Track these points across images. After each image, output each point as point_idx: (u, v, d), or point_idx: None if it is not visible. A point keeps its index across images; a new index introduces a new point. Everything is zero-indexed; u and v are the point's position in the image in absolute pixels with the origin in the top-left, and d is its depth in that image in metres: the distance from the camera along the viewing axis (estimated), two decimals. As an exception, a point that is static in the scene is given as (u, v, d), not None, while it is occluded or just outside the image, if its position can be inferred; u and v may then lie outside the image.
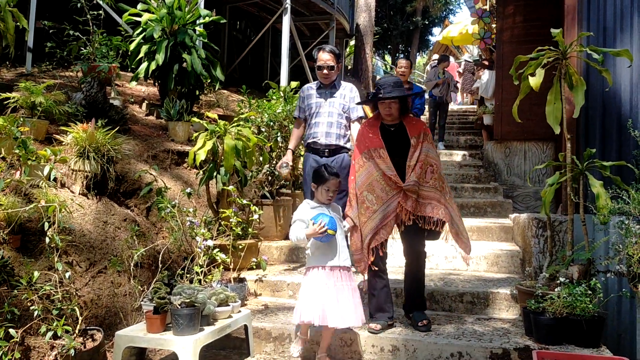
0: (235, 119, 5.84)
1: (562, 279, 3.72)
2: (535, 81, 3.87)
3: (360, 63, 17.35)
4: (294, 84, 7.74)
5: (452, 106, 16.11)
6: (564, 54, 4.00)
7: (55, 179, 4.51)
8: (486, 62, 10.36)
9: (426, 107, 10.78)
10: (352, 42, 17.94)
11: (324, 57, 4.59)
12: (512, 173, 8.05)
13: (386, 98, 3.71)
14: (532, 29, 7.86)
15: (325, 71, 4.63)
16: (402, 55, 6.56)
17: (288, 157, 4.83)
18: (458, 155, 9.55)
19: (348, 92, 4.77)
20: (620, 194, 3.91)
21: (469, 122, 12.80)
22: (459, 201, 7.19)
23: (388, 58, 30.49)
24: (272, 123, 6.46)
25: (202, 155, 5.40)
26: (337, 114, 4.68)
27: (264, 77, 13.49)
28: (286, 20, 10.91)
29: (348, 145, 4.79)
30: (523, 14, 8.08)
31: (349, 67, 18.88)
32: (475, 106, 14.11)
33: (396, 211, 3.70)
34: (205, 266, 4.35)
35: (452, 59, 15.36)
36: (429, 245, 5.67)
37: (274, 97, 6.95)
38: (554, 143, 7.59)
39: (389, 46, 29.69)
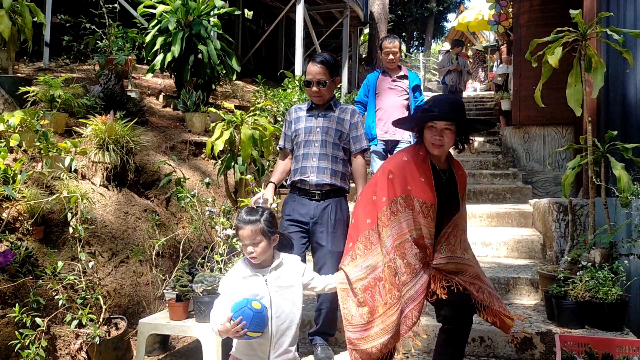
0: (252, 108, 5.85)
1: (584, 263, 3.69)
2: (554, 59, 3.81)
3: (374, 51, 17.25)
4: (309, 72, 7.75)
5: (469, 92, 16.01)
6: (583, 35, 3.94)
7: (75, 171, 4.58)
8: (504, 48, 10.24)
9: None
10: (367, 31, 17.83)
11: (313, 70, 3.35)
12: (531, 158, 7.96)
13: (443, 118, 2.66)
14: (550, 11, 7.74)
15: (314, 88, 3.36)
16: (392, 37, 5.64)
17: (267, 192, 3.35)
18: (475, 142, 9.46)
19: (349, 116, 3.48)
20: (642, 177, 3.86)
21: (486, 108, 12.67)
22: (478, 187, 7.14)
23: (403, 45, 30.26)
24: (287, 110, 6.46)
25: (219, 146, 5.42)
26: (332, 144, 3.40)
27: (279, 67, 13.48)
28: (300, 10, 10.87)
29: (347, 187, 3.57)
30: (540, -4, 7.95)
31: (364, 55, 18.78)
32: (492, 92, 13.98)
33: (427, 288, 2.64)
34: (225, 255, 4.38)
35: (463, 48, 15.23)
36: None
37: (290, 87, 6.95)
38: (573, 127, 7.49)
39: (404, 34, 29.45)
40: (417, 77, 5.41)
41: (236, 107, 7.05)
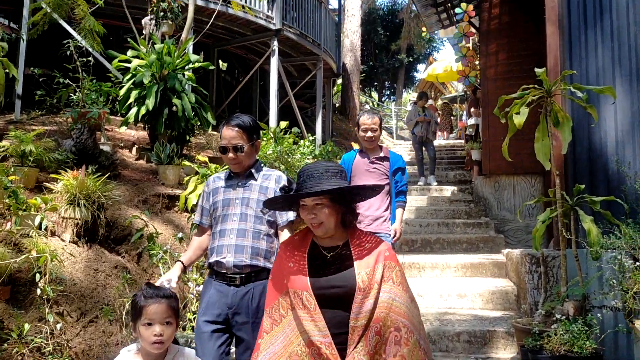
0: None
1: (558, 316, 3.71)
2: (519, 120, 3.95)
3: (348, 101, 17.60)
4: (283, 124, 7.83)
5: (440, 141, 16.34)
6: (548, 92, 4.09)
7: (45, 228, 4.48)
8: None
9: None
10: (340, 81, 18.21)
11: (228, 134, 2.89)
12: (503, 207, 8.10)
13: (305, 195, 2.22)
14: (516, 65, 8.04)
15: (230, 154, 2.87)
16: (371, 112, 4.41)
17: (173, 272, 2.85)
18: (448, 191, 9.60)
19: (273, 183, 2.97)
20: (611, 229, 3.95)
21: (458, 156, 12.92)
22: (451, 237, 7.20)
23: (375, 95, 30.91)
24: (262, 164, 6.49)
25: (193, 199, 5.42)
26: (253, 217, 2.90)
27: (253, 117, 13.57)
28: (274, 62, 11.08)
29: None
30: (506, 51, 8.26)
31: (337, 104, 19.11)
32: (462, 141, 14.28)
33: None
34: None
35: (430, 101, 15.68)
36: (423, 283, 5.67)
37: (264, 139, 6.99)
38: (542, 177, 7.67)
39: (375, 83, 30.13)
40: (401, 159, 4.58)
41: (210, 158, 7.08)
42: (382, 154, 4.50)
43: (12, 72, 6.18)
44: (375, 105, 27.19)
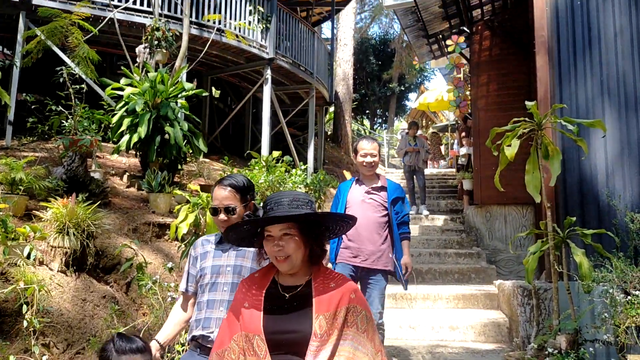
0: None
1: (550, 350, 3.68)
2: (510, 152, 3.97)
3: (340, 129, 17.71)
4: (275, 153, 7.84)
5: (431, 170, 16.42)
6: (539, 125, 4.13)
7: (34, 257, 4.42)
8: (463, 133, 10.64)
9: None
10: (332, 109, 18.35)
11: (220, 195, 2.65)
12: (494, 237, 8.10)
13: (274, 219, 1.98)
14: (507, 96, 8.14)
15: (222, 216, 2.64)
16: (370, 138, 4.09)
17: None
18: (440, 220, 9.61)
19: None
20: (602, 262, 3.95)
21: (449, 185, 12.97)
22: (443, 267, 7.18)
23: (367, 122, 31.12)
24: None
25: (184, 229, 5.36)
26: None
27: (246, 145, 13.63)
28: (267, 90, 11.15)
29: None
30: (497, 83, 8.38)
31: (329, 132, 19.21)
32: (453, 170, 14.35)
33: None
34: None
35: (420, 131, 15.84)
36: (415, 314, 5.62)
37: (256, 167, 6.99)
38: (533, 206, 7.70)
39: (367, 111, 30.35)
40: (399, 189, 4.27)
41: (202, 186, 7.05)
42: (379, 184, 4.20)
43: (4, 99, 6.19)
44: (367, 133, 27.35)
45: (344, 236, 4.06)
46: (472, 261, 7.58)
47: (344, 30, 18.43)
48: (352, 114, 19.97)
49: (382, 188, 4.19)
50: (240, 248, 2.60)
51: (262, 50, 11.15)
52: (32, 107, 7.12)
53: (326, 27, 23.34)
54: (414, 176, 10.56)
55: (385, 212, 4.12)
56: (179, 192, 5.86)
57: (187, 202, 6.09)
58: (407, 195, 10.74)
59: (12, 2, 8.46)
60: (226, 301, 2.54)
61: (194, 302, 2.69)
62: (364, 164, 4.14)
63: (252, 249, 2.45)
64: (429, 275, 7.09)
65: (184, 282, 2.75)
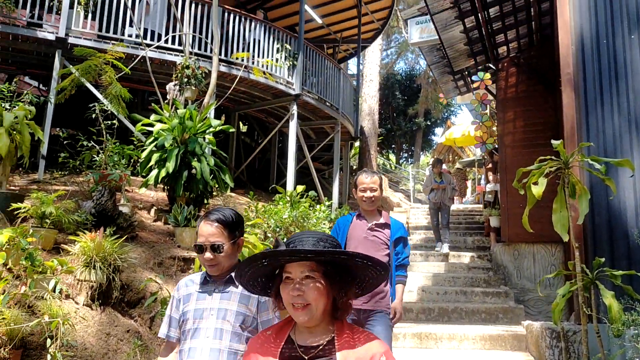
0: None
1: (581, 396, 3.56)
2: (537, 191, 3.92)
3: (365, 163, 17.74)
4: (299, 188, 7.88)
5: (458, 205, 16.26)
6: (565, 164, 4.08)
7: (60, 291, 4.49)
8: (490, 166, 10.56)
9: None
10: (357, 144, 18.43)
11: (205, 231, 2.38)
12: (522, 276, 7.93)
13: (292, 253, 1.69)
14: (533, 133, 8.08)
15: (207, 254, 2.36)
16: (369, 171, 4.06)
17: None
18: (466, 257, 9.46)
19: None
20: (633, 305, 3.83)
21: (476, 222, 12.80)
22: (470, 307, 7.03)
23: (392, 157, 31.15)
24: (278, 229, 6.49)
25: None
26: (230, 334, 2.32)
27: (271, 179, 13.75)
28: (293, 125, 11.29)
29: None
30: (523, 119, 8.33)
31: (355, 167, 19.25)
32: (480, 205, 14.19)
33: None
34: None
35: (445, 166, 15.78)
36: (440, 355, 5.50)
37: (281, 202, 7.03)
38: (562, 245, 7.54)
39: (393, 146, 30.43)
40: (402, 228, 3.97)
41: (227, 221, 7.11)
42: (382, 220, 3.90)
43: (37, 135, 6.40)
44: (393, 168, 27.34)
45: None
46: (499, 300, 7.41)
47: (370, 67, 18.66)
48: (378, 149, 20.03)
49: (386, 225, 3.90)
50: (227, 289, 2.38)
51: (288, 87, 11.33)
52: (65, 142, 7.33)
53: (352, 63, 23.65)
54: (439, 213, 10.48)
55: (388, 250, 3.82)
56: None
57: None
58: (432, 231, 10.70)
59: (49, 40, 8.81)
60: (208, 349, 2.28)
61: (178, 349, 2.42)
62: (364, 198, 3.84)
63: (238, 291, 2.32)
64: (455, 315, 6.95)
65: (165, 326, 2.46)
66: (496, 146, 9.80)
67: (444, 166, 13.71)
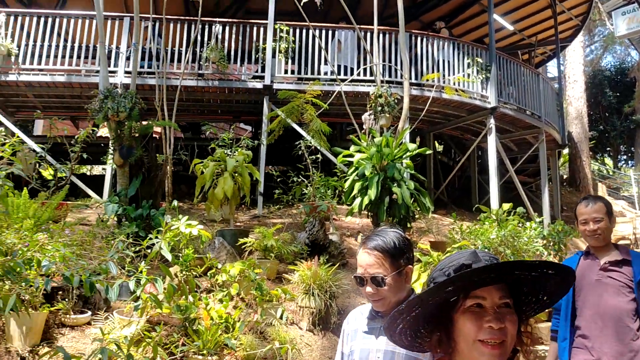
0: (449, 249, 5.83)
1: None
2: None
3: (577, 171, 16.35)
4: (505, 206, 7.55)
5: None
6: None
7: (285, 317, 4.90)
8: None
9: None
10: (566, 151, 17.07)
11: (364, 260, 2.06)
12: None
13: (501, 271, 1.28)
14: None
15: (368, 288, 2.05)
16: (590, 198, 3.24)
17: None
18: None
19: None
20: None
21: None
22: None
23: (609, 161, 28.15)
24: (486, 249, 6.29)
25: (417, 288, 5.45)
26: None
27: (473, 197, 13.37)
28: (491, 140, 10.89)
29: None
30: None
31: (565, 176, 17.82)
32: None
33: None
34: None
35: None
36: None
37: (486, 222, 6.81)
38: None
39: (608, 148, 27.48)
40: None
41: (431, 242, 7.10)
42: (619, 256, 3.15)
43: (255, 175, 7.13)
44: (611, 173, 24.66)
45: (577, 331, 3.16)
46: None
47: (572, 67, 17.28)
48: (590, 154, 18.31)
49: (625, 262, 3.12)
50: None
51: (483, 101, 11.01)
52: (278, 179, 8.05)
53: (551, 65, 22.13)
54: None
55: (633, 295, 3.03)
56: (410, 251, 6.00)
57: (418, 260, 6.19)
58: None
59: (258, 89, 9.83)
60: None
61: None
62: (587, 232, 3.19)
63: None
64: None
65: (338, 358, 2.27)
66: None
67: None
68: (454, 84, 10.66)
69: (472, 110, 11.39)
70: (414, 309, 1.32)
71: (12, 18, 9.67)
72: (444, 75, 10.67)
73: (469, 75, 10.92)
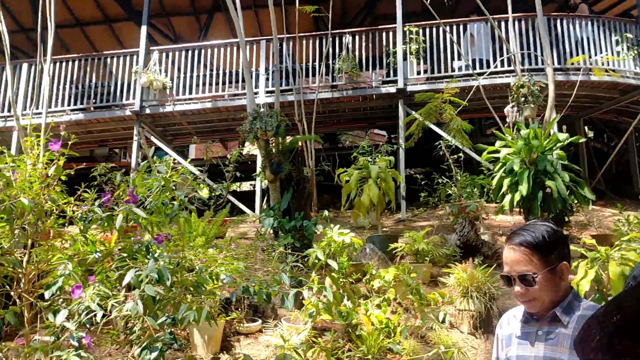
0: (616, 242, 5.37)
1: None
2: None
3: None
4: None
5: None
6: None
7: (444, 320, 4.84)
8: None
9: None
10: None
11: (509, 257, 1.88)
12: None
13: None
14: None
15: (517, 287, 1.85)
16: None
17: None
18: None
19: None
20: None
21: None
22: None
23: None
24: (663, 240, 5.70)
25: (585, 286, 5.09)
26: None
27: (634, 183, 12.21)
28: (651, 121, 9.90)
29: None
30: None
31: None
32: None
33: None
34: None
35: None
36: None
37: (655, 213, 6.18)
38: None
39: None
40: None
41: (593, 236, 6.60)
42: None
43: (398, 180, 7.15)
44: None
45: None
46: None
47: None
48: None
49: None
50: (553, 332, 1.83)
51: (638, 79, 10.04)
52: (422, 182, 7.98)
53: None
54: None
55: None
56: (571, 247, 5.60)
57: (582, 256, 5.77)
58: None
59: (392, 94, 9.84)
60: None
61: None
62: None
63: (567, 332, 1.76)
64: None
65: None
66: None
67: None
68: (602, 64, 9.85)
69: (625, 90, 10.43)
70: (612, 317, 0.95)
71: (163, 55, 10.66)
72: (589, 57, 9.91)
73: (618, 53, 10.04)
